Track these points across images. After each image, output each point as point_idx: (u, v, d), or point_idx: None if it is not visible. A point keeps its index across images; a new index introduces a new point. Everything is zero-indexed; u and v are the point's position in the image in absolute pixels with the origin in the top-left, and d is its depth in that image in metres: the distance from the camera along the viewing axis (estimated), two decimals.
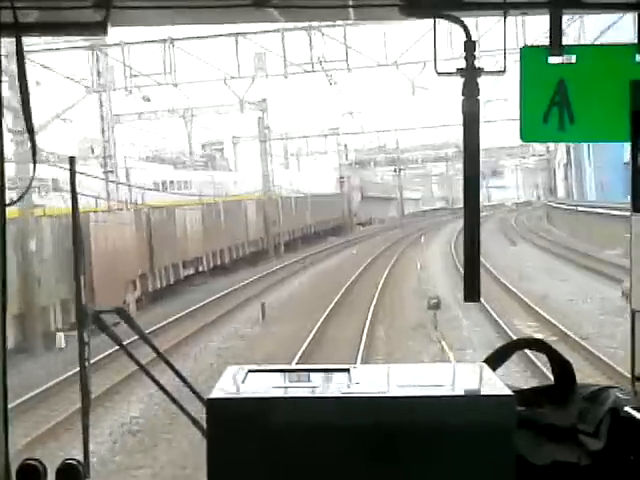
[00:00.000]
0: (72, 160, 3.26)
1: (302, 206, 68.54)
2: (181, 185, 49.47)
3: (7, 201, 3.20)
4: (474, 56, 3.50)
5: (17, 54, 3.22)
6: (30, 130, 3.24)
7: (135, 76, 37.76)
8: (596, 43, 4.25)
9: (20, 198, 3.55)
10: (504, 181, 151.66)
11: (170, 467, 15.37)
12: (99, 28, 3.42)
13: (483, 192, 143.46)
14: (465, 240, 3.56)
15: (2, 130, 3.18)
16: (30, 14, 3.35)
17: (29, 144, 3.26)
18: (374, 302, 30.80)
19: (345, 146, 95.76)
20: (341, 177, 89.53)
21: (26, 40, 3.31)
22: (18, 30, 3.22)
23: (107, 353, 19.10)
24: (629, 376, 3.58)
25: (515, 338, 4.36)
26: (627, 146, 3.58)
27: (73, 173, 3.25)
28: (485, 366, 3.34)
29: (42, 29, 3.34)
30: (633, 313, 3.45)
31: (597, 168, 64.07)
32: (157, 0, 3.54)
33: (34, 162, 3.34)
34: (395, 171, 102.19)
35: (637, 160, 3.44)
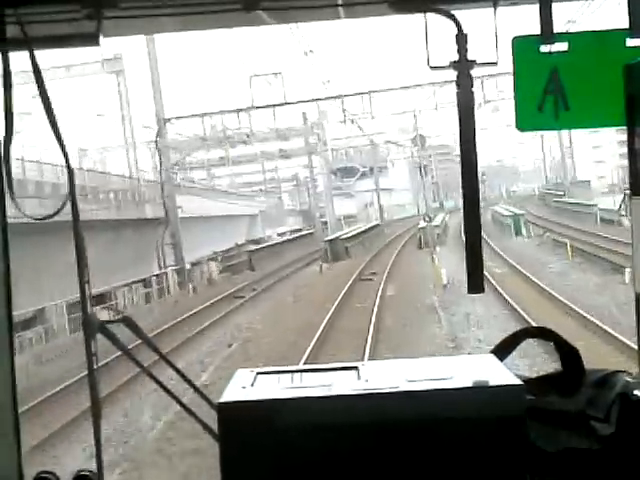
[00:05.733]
0: (71, 172, 3.29)
1: None
2: None
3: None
4: (466, 49, 3.51)
5: (4, 70, 3.21)
6: (64, 151, 3.22)
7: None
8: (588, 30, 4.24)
9: (57, 213, 3.55)
10: (389, 180, 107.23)
11: None
12: (91, 39, 3.42)
13: (369, 198, 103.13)
14: (466, 232, 3.57)
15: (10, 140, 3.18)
16: (18, 28, 3.34)
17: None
18: None
19: None
20: None
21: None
22: (6, 45, 3.21)
23: None
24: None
25: (520, 327, 4.36)
26: None
27: (73, 185, 3.27)
28: (493, 357, 3.35)
29: (33, 43, 3.34)
30: (638, 296, 3.44)
31: None
32: (148, 9, 3.55)
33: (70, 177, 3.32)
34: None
35: (634, 144, 3.45)
